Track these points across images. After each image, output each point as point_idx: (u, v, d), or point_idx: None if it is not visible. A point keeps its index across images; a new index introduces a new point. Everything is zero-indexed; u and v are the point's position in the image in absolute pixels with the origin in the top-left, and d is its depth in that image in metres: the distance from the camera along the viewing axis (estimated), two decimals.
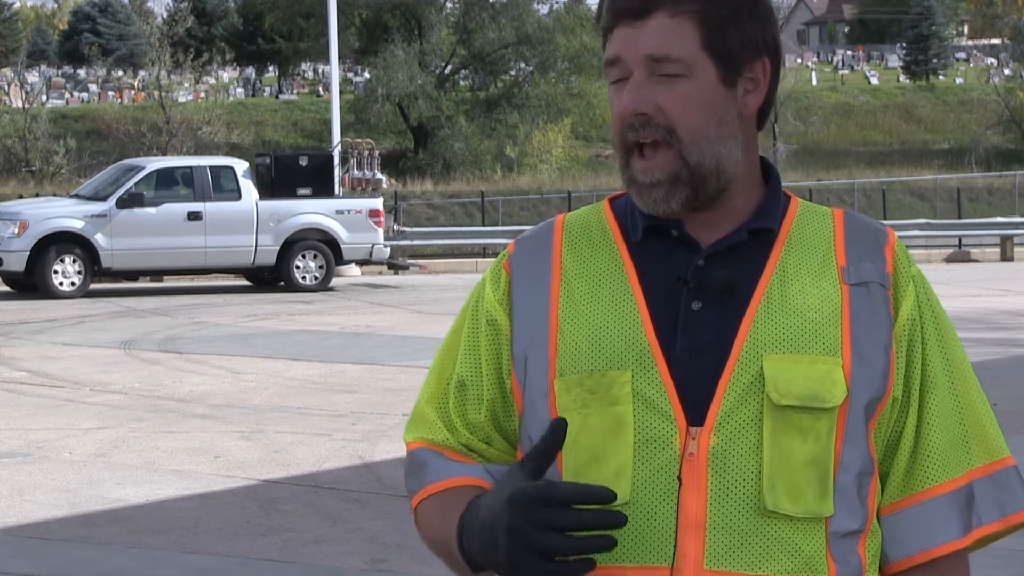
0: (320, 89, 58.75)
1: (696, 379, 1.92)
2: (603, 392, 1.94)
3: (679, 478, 1.90)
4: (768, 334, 1.93)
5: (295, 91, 60.86)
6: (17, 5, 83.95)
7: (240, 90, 60.25)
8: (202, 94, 49.35)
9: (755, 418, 1.91)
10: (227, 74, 63.62)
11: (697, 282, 1.96)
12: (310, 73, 66.60)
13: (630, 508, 1.91)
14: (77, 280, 22.24)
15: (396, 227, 28.03)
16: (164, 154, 39.35)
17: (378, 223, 23.87)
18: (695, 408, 1.92)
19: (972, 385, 2.03)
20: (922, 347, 2.00)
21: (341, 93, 37.92)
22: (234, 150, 39.96)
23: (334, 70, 30.94)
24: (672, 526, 1.90)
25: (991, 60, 71.57)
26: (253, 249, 22.98)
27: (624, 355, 1.94)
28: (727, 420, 1.91)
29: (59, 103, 54.52)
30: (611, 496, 1.82)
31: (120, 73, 59.74)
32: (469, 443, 2.06)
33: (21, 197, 29.33)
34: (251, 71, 64.79)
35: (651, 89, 1.95)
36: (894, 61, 71.86)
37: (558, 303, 2.00)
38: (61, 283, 22.15)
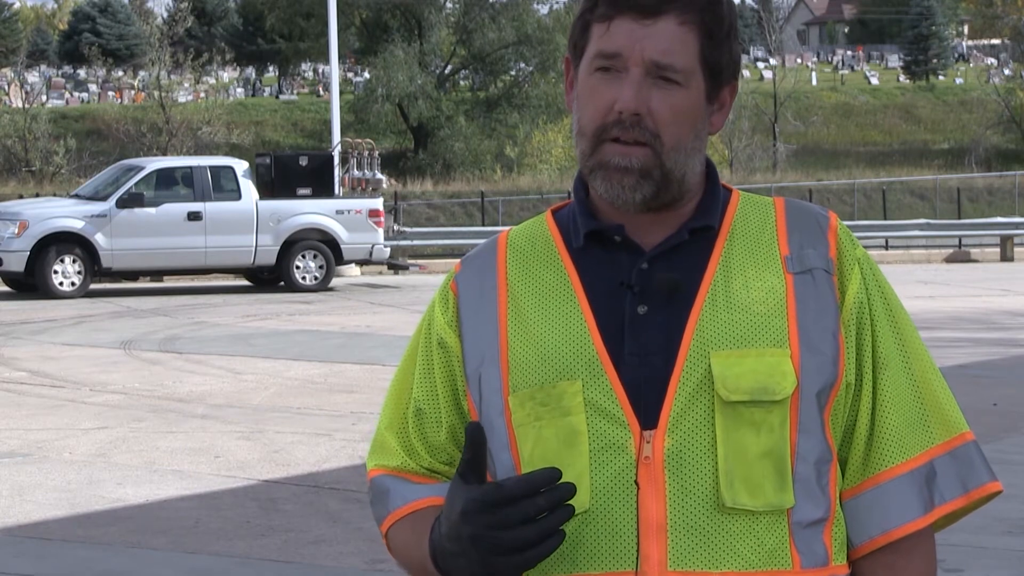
0: (320, 89, 58.78)
1: (646, 383, 1.91)
2: (554, 404, 1.93)
3: (636, 482, 1.90)
4: (714, 331, 1.92)
5: (295, 91, 60.90)
6: (17, 5, 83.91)
7: (240, 90, 60.29)
8: (202, 94, 49.38)
9: (707, 416, 1.90)
10: (227, 74, 63.64)
11: (642, 286, 1.95)
12: (310, 73, 66.64)
13: (590, 516, 1.90)
14: (77, 280, 22.23)
15: (396, 227, 28.03)
16: (164, 154, 39.36)
17: (378, 223, 23.87)
18: (647, 411, 1.90)
19: (927, 364, 2.02)
20: (872, 329, 1.98)
21: (341, 93, 37.93)
22: (234, 150, 40.00)
23: (334, 70, 30.94)
24: (633, 530, 1.89)
25: (991, 60, 71.61)
26: (253, 249, 22.98)
27: (573, 365, 1.93)
28: (680, 421, 1.90)
29: (59, 103, 54.56)
30: (556, 475, 1.82)
31: (120, 73, 59.76)
32: (432, 466, 2.07)
33: (21, 197, 29.35)
34: (251, 71, 64.85)
35: (647, 91, 1.94)
36: (894, 61, 71.90)
37: (507, 319, 1.99)
38: (61, 283, 22.14)
